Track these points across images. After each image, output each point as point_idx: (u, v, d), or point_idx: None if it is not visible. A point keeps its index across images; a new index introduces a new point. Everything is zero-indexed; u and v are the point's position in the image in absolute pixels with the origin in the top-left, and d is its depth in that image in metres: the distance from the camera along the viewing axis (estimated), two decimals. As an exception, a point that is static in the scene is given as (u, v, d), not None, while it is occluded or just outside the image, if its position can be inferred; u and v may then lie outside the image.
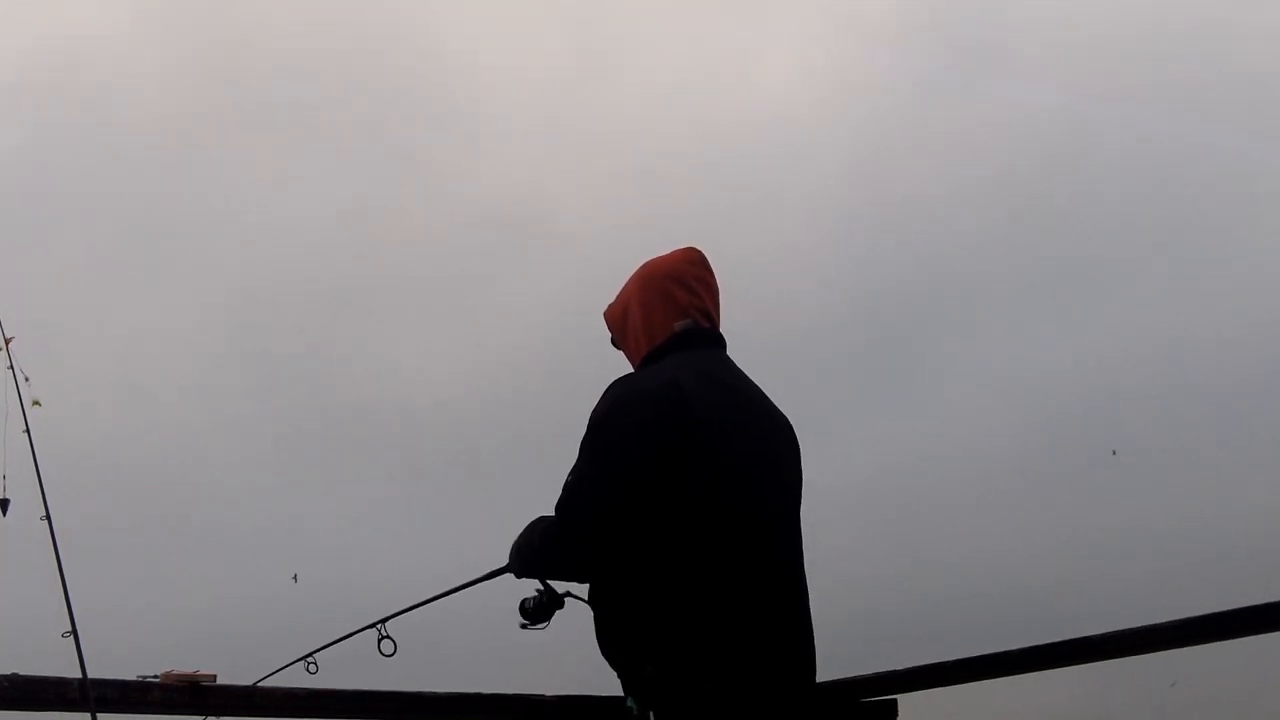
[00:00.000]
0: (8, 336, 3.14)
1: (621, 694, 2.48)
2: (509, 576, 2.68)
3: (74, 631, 2.61)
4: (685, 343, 2.59)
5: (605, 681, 2.52)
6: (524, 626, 2.67)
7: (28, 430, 2.97)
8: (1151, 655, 2.93)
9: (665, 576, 2.38)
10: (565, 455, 2.51)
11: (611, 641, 2.47)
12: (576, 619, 2.59)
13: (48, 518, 2.78)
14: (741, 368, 2.68)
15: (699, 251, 2.71)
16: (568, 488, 2.45)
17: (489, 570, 2.76)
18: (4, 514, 3.35)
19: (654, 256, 2.74)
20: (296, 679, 2.98)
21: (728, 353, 2.68)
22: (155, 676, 2.85)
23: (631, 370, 2.69)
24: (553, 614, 2.64)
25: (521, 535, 2.58)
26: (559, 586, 2.63)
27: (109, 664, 2.72)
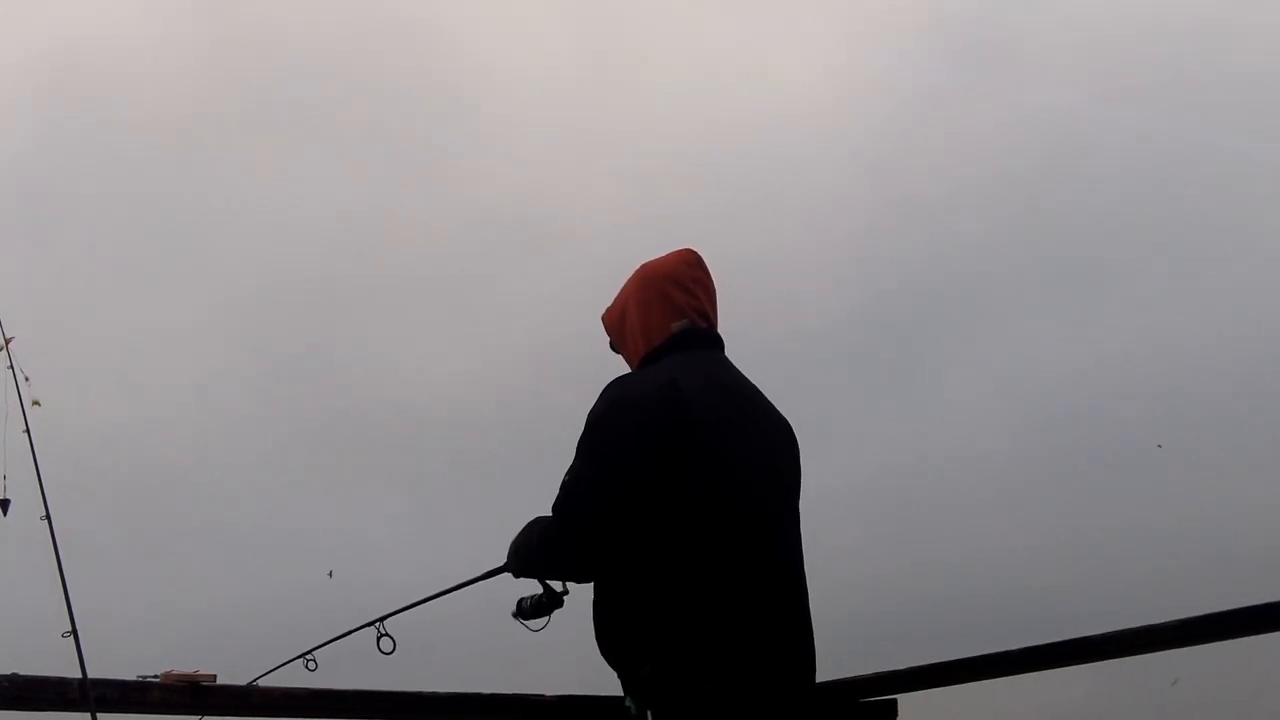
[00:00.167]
0: (8, 337, 3.14)
1: (621, 694, 2.48)
2: (508, 576, 2.68)
3: (74, 631, 2.61)
4: (683, 344, 2.59)
5: (605, 681, 2.52)
6: (515, 616, 2.67)
7: (28, 430, 2.97)
8: (1152, 655, 2.93)
9: (663, 576, 2.37)
10: (566, 456, 2.51)
11: (610, 641, 2.47)
12: (576, 619, 2.59)
13: (48, 518, 2.78)
14: (743, 368, 2.68)
15: (695, 253, 2.71)
16: (565, 488, 2.45)
17: (487, 569, 2.76)
18: (4, 514, 3.35)
19: (651, 259, 2.74)
20: (296, 677, 2.98)
21: (726, 354, 2.69)
22: (155, 676, 2.85)
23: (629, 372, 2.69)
24: (551, 613, 2.64)
25: (519, 535, 2.58)
26: (557, 586, 2.64)
27: (109, 664, 2.71)
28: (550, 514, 2.49)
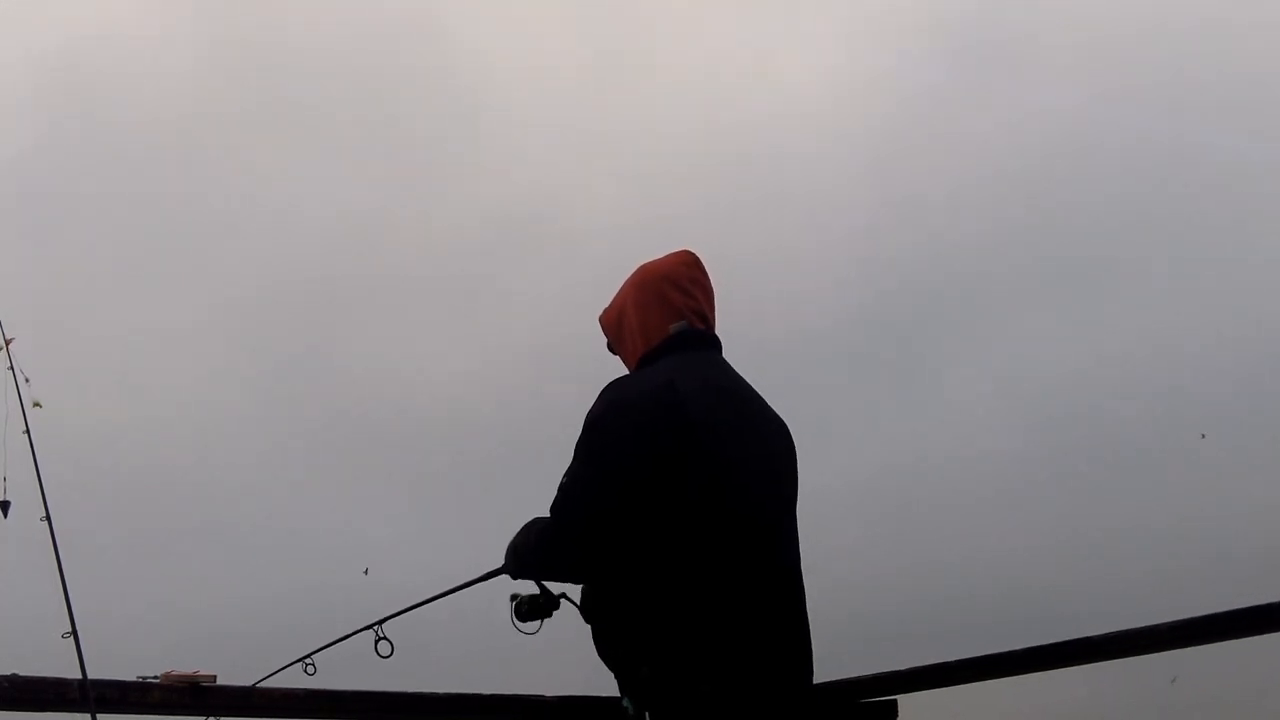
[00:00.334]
0: (8, 338, 3.14)
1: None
2: (506, 577, 2.68)
3: (74, 632, 2.61)
4: (680, 345, 2.59)
5: (605, 682, 2.52)
6: (512, 617, 2.66)
7: (28, 431, 2.97)
8: (1152, 655, 2.93)
9: (661, 578, 2.37)
10: (566, 456, 2.51)
11: (607, 642, 2.46)
12: (575, 619, 2.59)
13: (48, 518, 2.78)
14: (743, 368, 2.68)
15: (693, 254, 2.71)
16: (562, 489, 2.45)
17: (486, 571, 2.76)
18: (4, 516, 3.35)
19: (649, 260, 2.74)
20: (295, 680, 2.98)
21: (723, 355, 2.68)
22: (155, 677, 2.86)
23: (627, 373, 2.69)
24: (549, 615, 2.63)
25: (517, 536, 2.58)
26: (554, 588, 2.63)
27: (109, 664, 2.71)
28: (548, 515, 2.49)
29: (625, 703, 2.43)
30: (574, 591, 2.61)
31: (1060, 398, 9.94)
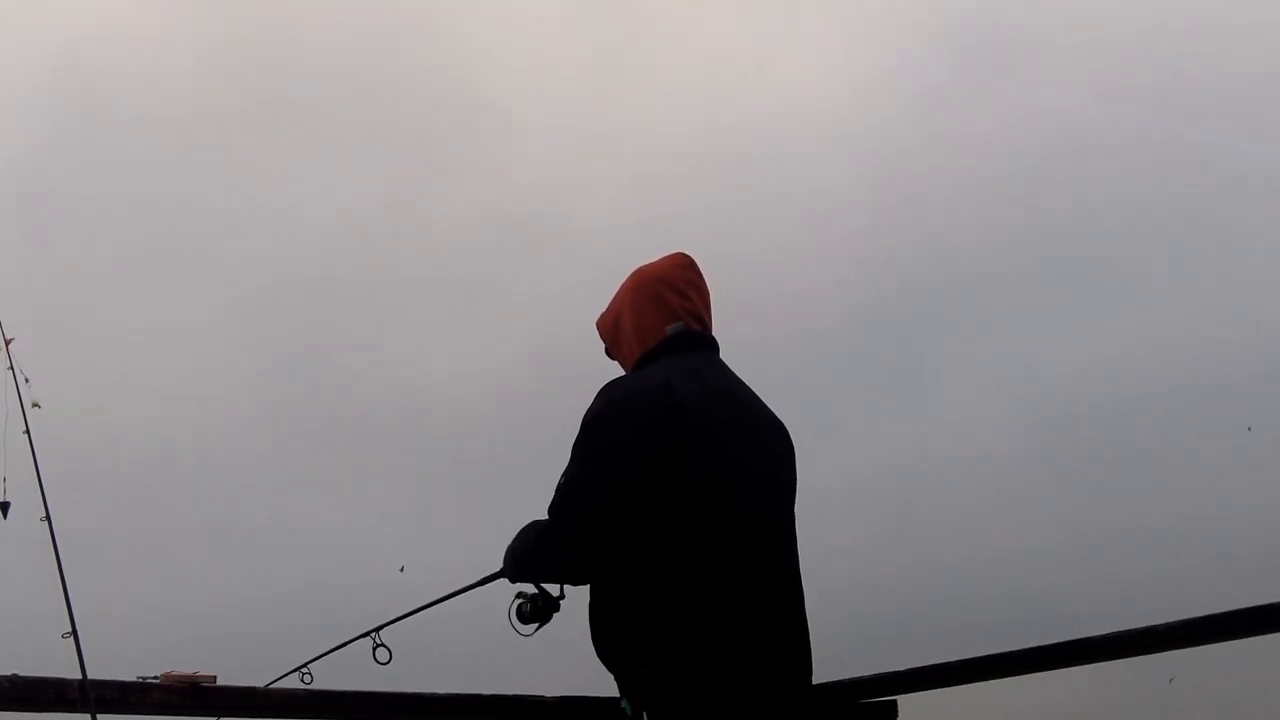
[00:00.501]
0: (8, 338, 3.14)
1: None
2: (505, 580, 2.68)
3: (74, 632, 2.61)
4: (677, 346, 2.59)
5: (605, 682, 2.52)
6: (511, 618, 2.66)
7: (28, 431, 2.97)
8: (1152, 655, 2.93)
9: (660, 578, 2.37)
10: (567, 457, 2.51)
11: (606, 643, 2.46)
12: (575, 619, 2.59)
13: (48, 519, 2.78)
14: (743, 368, 2.68)
15: (688, 256, 2.71)
16: (560, 491, 2.45)
17: (485, 575, 2.76)
18: (4, 516, 3.35)
19: (645, 262, 2.75)
20: (295, 681, 2.98)
21: (720, 356, 2.68)
22: (155, 677, 2.85)
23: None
24: (548, 618, 2.63)
25: (516, 539, 2.58)
26: (553, 590, 2.63)
27: (109, 664, 2.71)
28: (546, 517, 2.49)
29: (624, 703, 2.43)
30: (573, 595, 2.61)
31: (1060, 398, 9.94)
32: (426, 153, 10.75)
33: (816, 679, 2.56)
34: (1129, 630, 2.89)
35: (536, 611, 2.63)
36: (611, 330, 2.72)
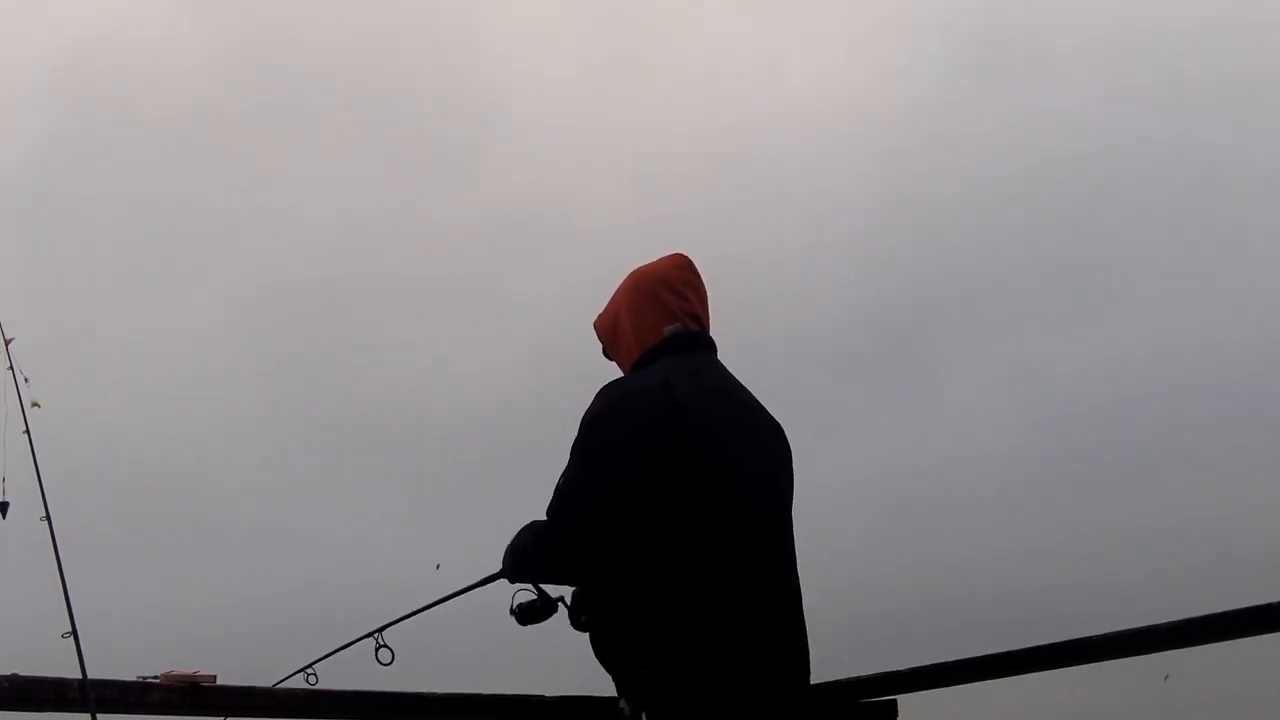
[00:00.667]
0: (8, 337, 3.14)
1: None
2: (505, 581, 2.68)
3: (74, 632, 2.61)
4: (675, 347, 2.59)
5: (605, 683, 2.52)
6: (514, 618, 2.65)
7: (28, 431, 2.97)
8: (1152, 655, 2.93)
9: (658, 579, 2.37)
10: (566, 458, 2.51)
11: (605, 644, 2.46)
12: (576, 619, 2.58)
13: (48, 518, 2.78)
14: (743, 368, 2.68)
15: (686, 257, 2.72)
16: (559, 491, 2.45)
17: (484, 576, 2.76)
18: (3, 517, 3.35)
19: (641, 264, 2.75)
20: (296, 680, 2.98)
21: (719, 356, 2.68)
22: (155, 677, 2.86)
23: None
24: (546, 619, 2.63)
25: (515, 539, 2.58)
26: (552, 591, 2.63)
27: (109, 664, 2.71)
28: (545, 518, 2.49)
29: (623, 704, 2.43)
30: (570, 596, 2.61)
31: (1060, 398, 9.95)
32: (427, 153, 10.76)
33: (816, 679, 2.56)
34: (1128, 630, 2.89)
35: (535, 612, 2.63)
36: (609, 331, 2.72)
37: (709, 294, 2.72)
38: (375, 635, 2.88)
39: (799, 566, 2.56)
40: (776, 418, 2.67)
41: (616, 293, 2.72)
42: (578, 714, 3.27)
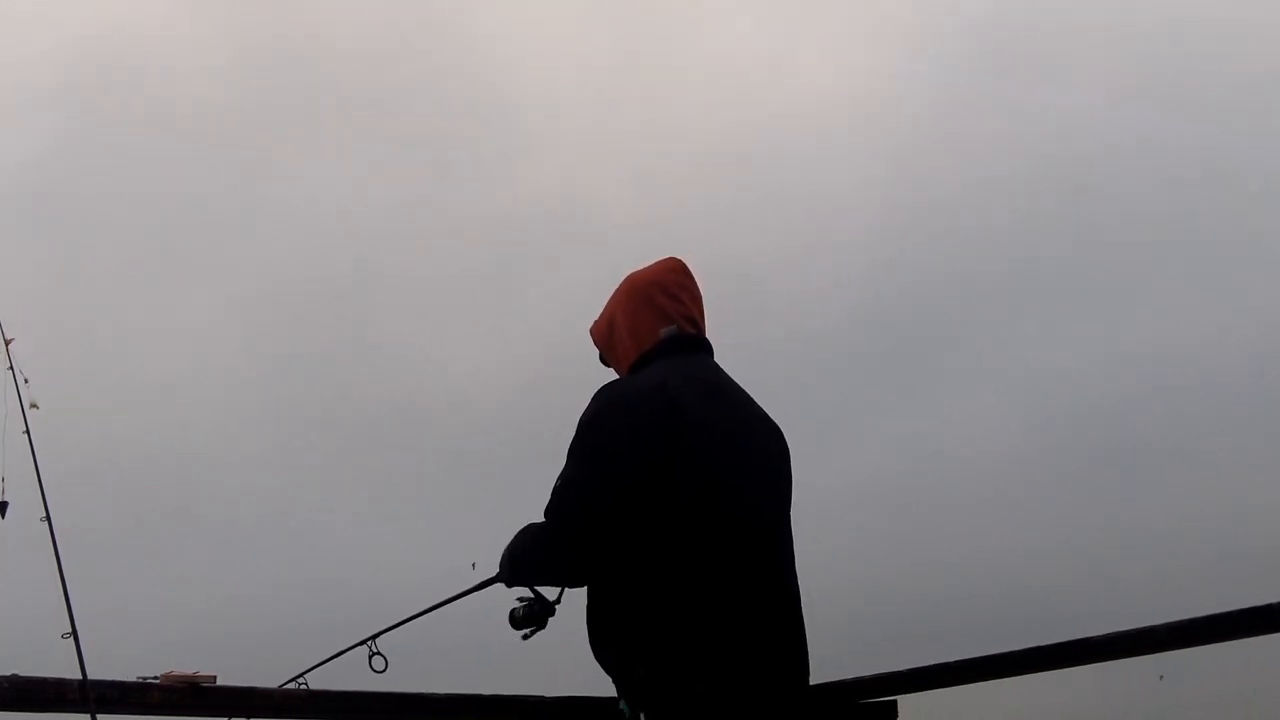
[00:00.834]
0: (8, 337, 3.14)
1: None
2: (501, 585, 2.67)
3: (74, 632, 2.60)
4: (671, 349, 2.59)
5: (604, 683, 2.52)
6: (511, 622, 2.64)
7: (27, 431, 2.96)
8: (1151, 656, 2.93)
9: (656, 579, 2.37)
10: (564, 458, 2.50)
11: (603, 644, 2.46)
12: (574, 620, 2.58)
13: (48, 519, 2.77)
14: (745, 368, 2.67)
15: (680, 261, 2.71)
16: (557, 492, 2.45)
17: (480, 580, 2.75)
18: (2, 517, 3.35)
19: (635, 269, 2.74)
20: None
21: (715, 358, 2.68)
22: (155, 677, 2.85)
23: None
24: (544, 622, 2.61)
25: (512, 541, 2.57)
26: (549, 594, 2.62)
27: (109, 664, 2.71)
28: (542, 519, 2.48)
29: (622, 705, 2.43)
30: (570, 596, 2.60)
31: (1061, 398, 9.95)
32: (431, 155, 10.77)
33: (816, 679, 2.55)
34: (1129, 630, 2.89)
35: (532, 616, 2.61)
36: (605, 336, 2.72)
37: (705, 296, 2.72)
38: (369, 643, 2.87)
39: (798, 566, 2.56)
40: (777, 418, 2.67)
41: (611, 298, 2.72)
42: (578, 714, 3.27)
